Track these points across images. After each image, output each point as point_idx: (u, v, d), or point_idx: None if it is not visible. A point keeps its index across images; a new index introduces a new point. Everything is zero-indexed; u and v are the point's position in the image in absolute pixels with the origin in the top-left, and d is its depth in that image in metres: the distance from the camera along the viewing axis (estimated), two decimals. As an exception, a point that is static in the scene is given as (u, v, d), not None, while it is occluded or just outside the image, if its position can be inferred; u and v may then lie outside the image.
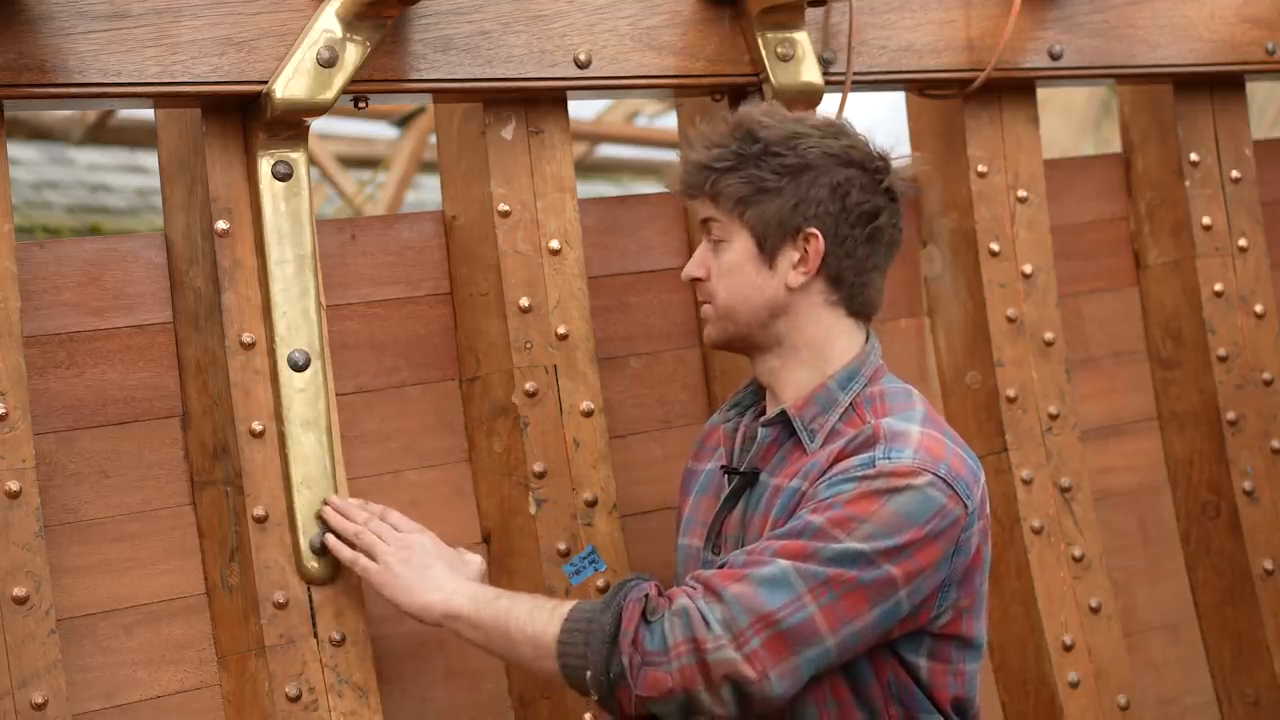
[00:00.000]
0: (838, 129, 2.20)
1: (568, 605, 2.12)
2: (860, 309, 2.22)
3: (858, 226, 2.17)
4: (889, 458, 2.05)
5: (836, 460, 2.09)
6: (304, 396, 2.30)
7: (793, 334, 2.20)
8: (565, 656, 2.07)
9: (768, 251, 2.17)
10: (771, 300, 2.18)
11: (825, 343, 2.20)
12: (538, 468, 2.48)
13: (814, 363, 2.20)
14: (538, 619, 2.10)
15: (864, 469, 2.05)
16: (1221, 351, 3.03)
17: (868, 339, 2.23)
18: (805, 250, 2.16)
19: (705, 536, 2.22)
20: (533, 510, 2.47)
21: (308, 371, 2.31)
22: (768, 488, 2.16)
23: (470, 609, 2.17)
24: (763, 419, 2.20)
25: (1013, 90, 2.89)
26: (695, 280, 2.24)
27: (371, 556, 2.22)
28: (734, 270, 2.19)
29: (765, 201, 2.16)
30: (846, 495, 2.03)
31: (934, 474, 2.04)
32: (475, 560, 2.26)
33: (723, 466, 2.26)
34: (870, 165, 2.18)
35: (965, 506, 2.06)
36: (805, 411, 2.16)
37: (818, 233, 2.15)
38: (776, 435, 2.18)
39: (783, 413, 2.17)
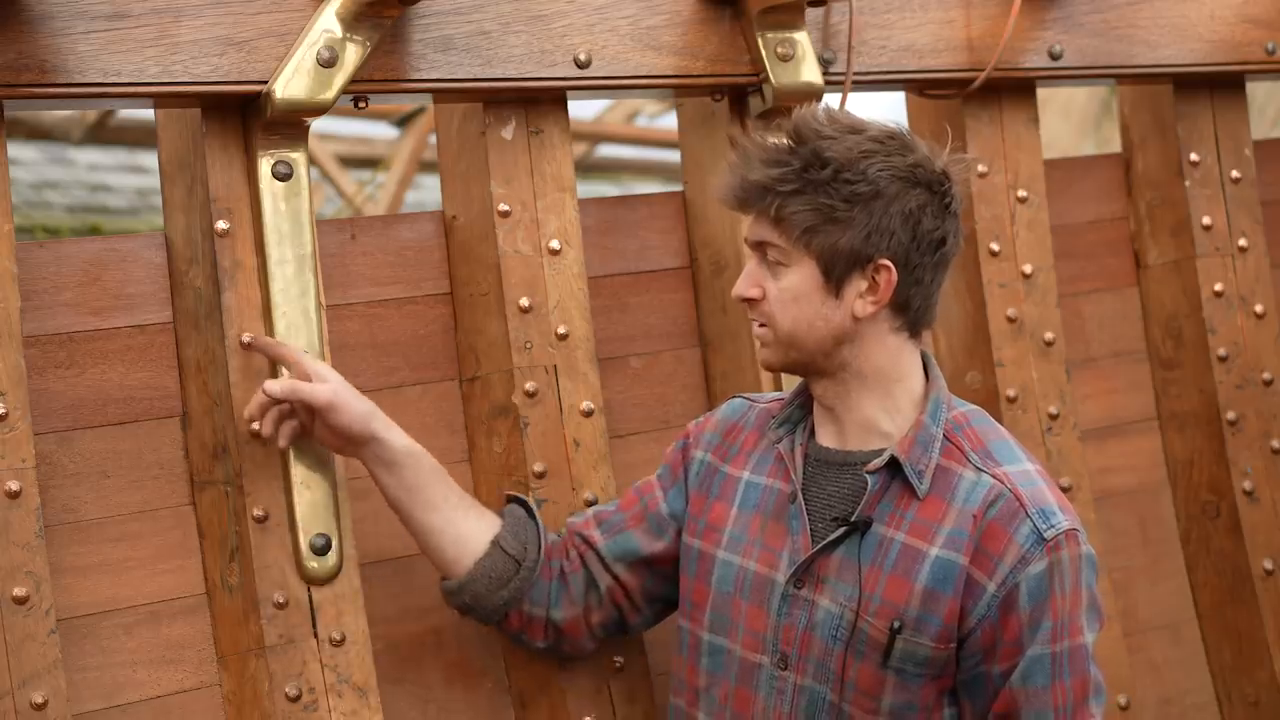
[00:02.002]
0: (901, 141, 2.12)
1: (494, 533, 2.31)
2: (920, 331, 2.18)
3: (927, 254, 2.11)
4: (1051, 525, 2.06)
5: (986, 533, 2.06)
6: (304, 396, 2.30)
7: (858, 361, 2.15)
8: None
9: (834, 281, 2.10)
10: (838, 330, 2.12)
11: (892, 368, 2.16)
12: (538, 468, 2.48)
13: (881, 387, 2.16)
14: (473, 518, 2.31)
15: (1036, 549, 2.05)
16: (1221, 351, 3.03)
17: (925, 358, 2.20)
18: (875, 281, 2.10)
19: (786, 569, 2.15)
20: (533, 510, 2.47)
21: (308, 371, 2.30)
22: (879, 538, 2.10)
23: (409, 446, 2.27)
24: (871, 465, 2.12)
25: (1013, 90, 2.89)
26: (748, 300, 2.17)
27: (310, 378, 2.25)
28: (797, 298, 2.12)
29: (834, 231, 2.08)
30: (1056, 604, 2.05)
31: (1080, 528, 2.09)
32: None
33: (791, 494, 2.19)
34: (938, 187, 2.11)
35: None
36: (912, 454, 2.11)
37: (890, 265, 2.09)
38: (884, 481, 2.12)
39: (892, 458, 2.11)
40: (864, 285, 2.11)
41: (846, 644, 2.09)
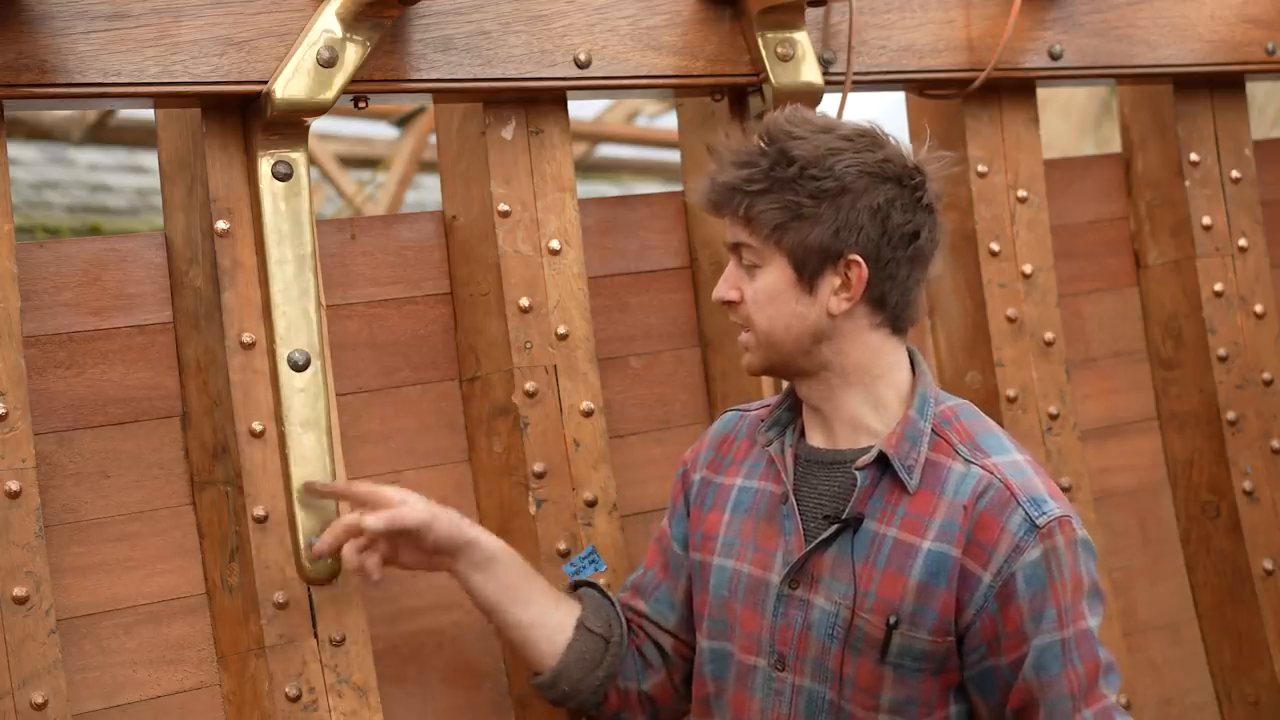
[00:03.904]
0: (871, 139, 2.12)
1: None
2: (903, 327, 2.18)
3: (899, 248, 2.12)
4: (1043, 512, 2.06)
5: (978, 524, 2.06)
6: (304, 396, 2.30)
7: (839, 358, 2.15)
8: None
9: (807, 278, 2.11)
10: (814, 328, 2.13)
11: (874, 364, 2.16)
12: (538, 468, 2.48)
13: (864, 384, 2.16)
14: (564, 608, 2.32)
15: (1030, 536, 2.05)
16: (1221, 351, 3.03)
17: (910, 354, 2.21)
18: (847, 277, 2.10)
19: (780, 569, 2.15)
20: (533, 510, 2.47)
21: (308, 371, 2.31)
22: (871, 534, 2.11)
23: (498, 542, 2.29)
24: (860, 461, 2.12)
25: (1013, 90, 2.89)
26: (728, 303, 2.18)
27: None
28: (772, 298, 2.13)
29: (803, 228, 2.09)
30: (1056, 592, 2.05)
31: (1073, 514, 2.10)
32: None
33: (782, 495, 2.19)
34: (909, 181, 2.12)
35: None
36: (900, 449, 2.11)
37: (860, 259, 2.09)
38: (873, 476, 2.12)
39: (881, 454, 2.11)
40: (837, 282, 2.11)
41: (844, 642, 2.10)
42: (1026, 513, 2.06)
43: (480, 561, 2.27)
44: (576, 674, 2.29)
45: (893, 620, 2.07)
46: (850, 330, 2.14)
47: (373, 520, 2.20)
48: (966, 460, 2.11)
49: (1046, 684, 2.06)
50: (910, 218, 2.12)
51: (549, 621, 2.30)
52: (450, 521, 2.25)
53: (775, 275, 2.12)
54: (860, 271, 2.10)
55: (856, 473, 2.12)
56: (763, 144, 2.11)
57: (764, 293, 2.14)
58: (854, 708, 2.10)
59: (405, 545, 2.25)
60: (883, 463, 2.12)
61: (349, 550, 2.22)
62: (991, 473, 2.09)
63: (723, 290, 2.18)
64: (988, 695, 2.10)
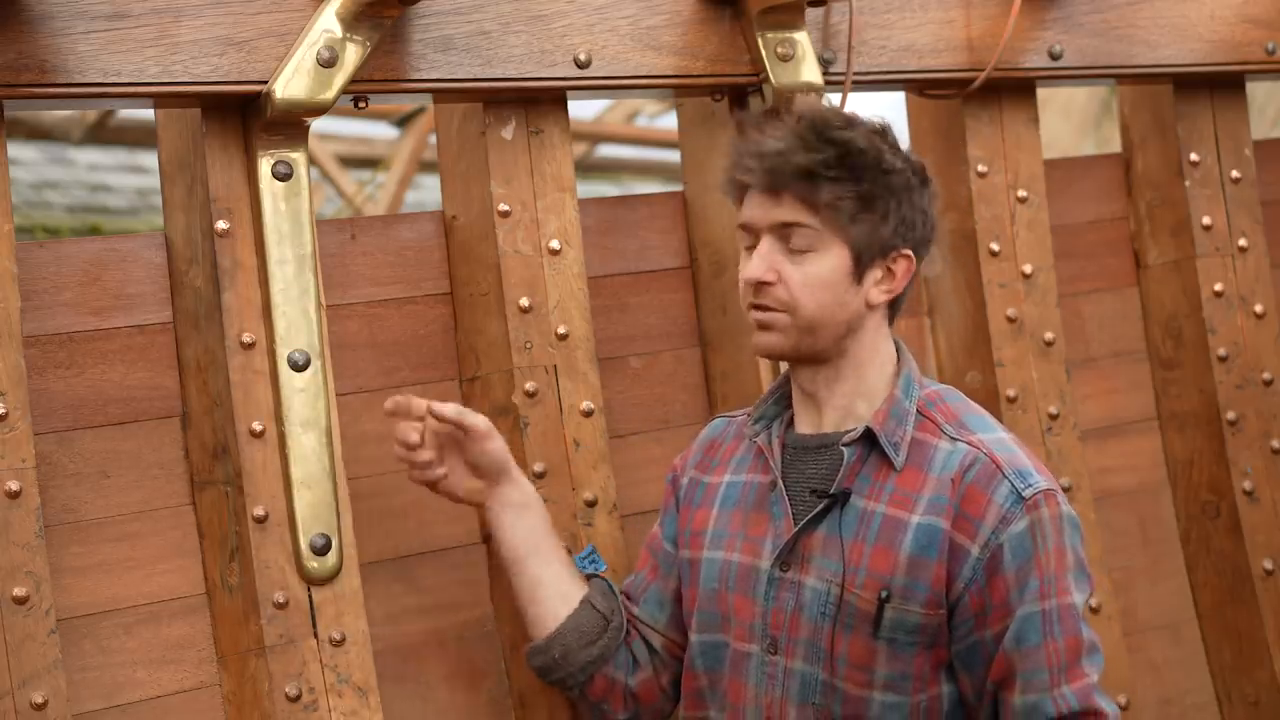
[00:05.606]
0: (894, 135, 2.19)
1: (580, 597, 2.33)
2: (896, 318, 2.24)
3: (926, 245, 2.20)
4: (1029, 484, 2.08)
5: (965, 497, 2.08)
6: (304, 396, 2.30)
7: (855, 348, 2.18)
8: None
9: (860, 268, 2.14)
10: (853, 316, 2.16)
11: (872, 352, 2.20)
12: (538, 468, 2.48)
13: (856, 372, 2.19)
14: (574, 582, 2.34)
15: (1016, 508, 2.07)
16: (1221, 351, 3.03)
17: (896, 343, 2.24)
18: (891, 270, 2.15)
19: (770, 554, 2.17)
20: (533, 510, 2.47)
21: (308, 371, 2.31)
22: (859, 510, 2.12)
23: (534, 490, 2.35)
24: (846, 438, 2.14)
25: (1013, 90, 2.89)
26: (762, 284, 2.15)
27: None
28: (826, 284, 2.14)
29: (873, 220, 2.12)
30: (1040, 562, 2.06)
31: (1058, 489, 2.11)
32: None
33: (771, 483, 2.20)
34: (928, 179, 2.19)
35: None
36: (886, 426, 2.14)
37: (911, 254, 2.16)
38: (860, 453, 2.15)
39: (867, 430, 2.14)
40: (879, 274, 2.16)
41: (835, 620, 2.11)
42: (1013, 485, 2.08)
43: (516, 503, 2.32)
44: (571, 643, 2.30)
45: (884, 594, 2.08)
46: (871, 322, 2.19)
47: (439, 406, 2.27)
48: (952, 438, 2.14)
49: (1025, 655, 2.06)
50: (934, 216, 2.20)
51: (560, 587, 2.32)
52: (504, 446, 2.32)
53: (833, 262, 2.14)
54: (909, 265, 2.17)
55: (843, 449, 2.14)
56: (824, 135, 2.12)
57: (817, 278, 2.14)
58: (847, 685, 2.10)
59: (454, 456, 2.31)
60: (869, 440, 2.14)
61: (403, 428, 2.28)
62: (978, 448, 2.12)
63: (760, 270, 2.14)
64: (972, 669, 2.11)
